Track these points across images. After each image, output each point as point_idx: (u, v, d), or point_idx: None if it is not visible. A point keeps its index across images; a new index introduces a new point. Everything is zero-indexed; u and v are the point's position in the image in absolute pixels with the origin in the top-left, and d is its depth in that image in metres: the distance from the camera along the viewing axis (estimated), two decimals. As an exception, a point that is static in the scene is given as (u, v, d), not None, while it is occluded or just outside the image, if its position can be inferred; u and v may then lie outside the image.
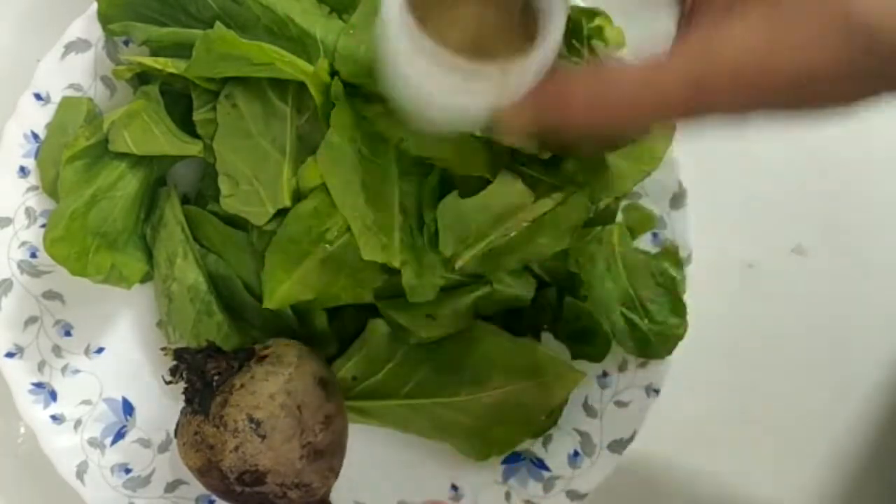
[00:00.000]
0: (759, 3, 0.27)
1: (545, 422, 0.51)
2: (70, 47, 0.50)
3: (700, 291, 0.54)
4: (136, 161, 0.50)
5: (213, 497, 0.50)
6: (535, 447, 0.53)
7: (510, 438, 0.51)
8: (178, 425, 0.46)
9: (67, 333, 0.52)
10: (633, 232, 0.53)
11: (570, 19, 0.50)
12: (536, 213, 0.47)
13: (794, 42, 0.26)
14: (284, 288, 0.47)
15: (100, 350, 0.53)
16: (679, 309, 0.51)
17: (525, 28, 0.34)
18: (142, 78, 0.51)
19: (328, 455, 0.46)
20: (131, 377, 0.53)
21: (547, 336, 0.53)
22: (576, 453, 0.52)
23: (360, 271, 0.47)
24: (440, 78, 0.33)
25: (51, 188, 0.50)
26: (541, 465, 0.52)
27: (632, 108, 0.28)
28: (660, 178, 0.51)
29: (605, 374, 0.52)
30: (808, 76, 0.26)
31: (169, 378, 0.46)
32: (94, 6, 0.49)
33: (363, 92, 0.45)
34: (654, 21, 0.59)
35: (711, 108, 0.28)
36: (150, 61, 0.48)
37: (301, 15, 0.46)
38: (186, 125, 0.49)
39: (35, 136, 0.50)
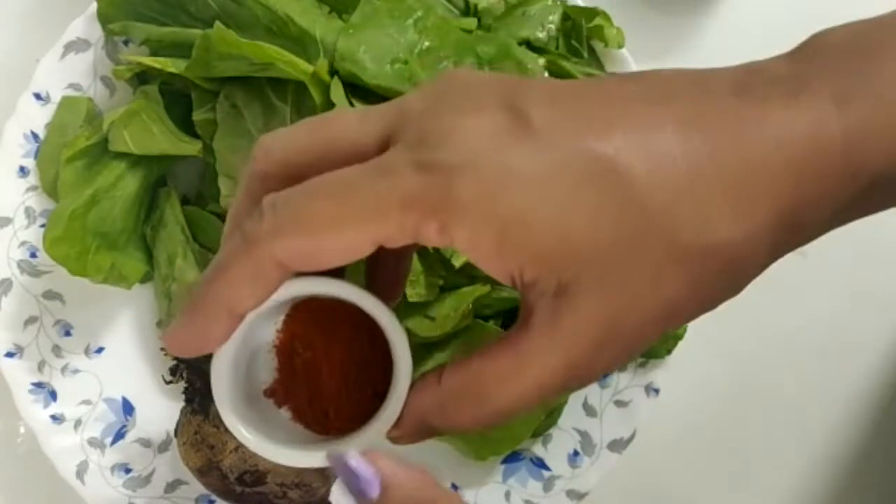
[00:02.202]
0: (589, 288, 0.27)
1: (545, 422, 0.51)
2: (70, 47, 0.50)
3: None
4: (136, 161, 0.50)
5: (213, 497, 0.50)
6: (535, 447, 0.52)
7: (510, 438, 0.50)
8: (178, 425, 0.46)
9: (67, 333, 0.52)
10: (633, 232, 0.52)
11: (570, 19, 0.50)
12: (536, 213, 0.47)
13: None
14: (284, 288, 0.47)
15: (100, 350, 0.53)
16: (679, 309, 0.51)
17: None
18: (141, 78, 0.51)
19: (328, 455, 0.46)
20: (131, 377, 0.53)
21: (547, 336, 0.53)
22: (576, 453, 0.52)
23: (360, 271, 0.46)
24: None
25: (51, 188, 0.50)
26: (541, 464, 0.52)
27: (515, 403, 0.29)
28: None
29: (604, 374, 0.52)
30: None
31: (169, 378, 0.46)
32: (94, 6, 0.49)
33: (363, 92, 0.45)
34: (654, 21, 0.59)
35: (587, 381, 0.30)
36: (149, 61, 0.48)
37: (301, 15, 0.46)
38: (186, 125, 0.49)
39: (35, 136, 0.50)
